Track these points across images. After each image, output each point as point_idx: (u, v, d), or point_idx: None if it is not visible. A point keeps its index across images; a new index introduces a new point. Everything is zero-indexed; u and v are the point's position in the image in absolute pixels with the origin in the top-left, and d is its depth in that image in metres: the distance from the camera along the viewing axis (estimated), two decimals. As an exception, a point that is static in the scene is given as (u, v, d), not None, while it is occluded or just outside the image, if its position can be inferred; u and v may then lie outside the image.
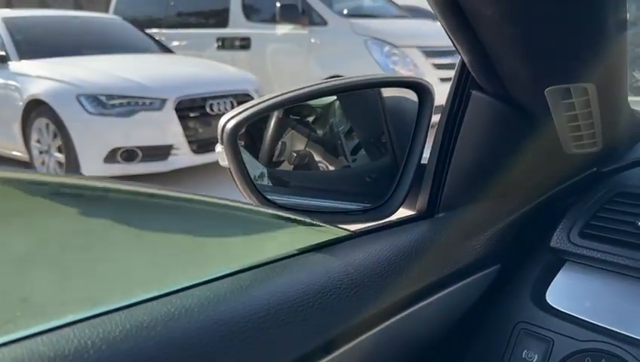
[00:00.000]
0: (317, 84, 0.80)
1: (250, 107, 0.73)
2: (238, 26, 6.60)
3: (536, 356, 0.67)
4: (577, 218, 0.73)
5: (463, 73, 0.70)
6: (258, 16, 6.55)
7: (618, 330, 0.64)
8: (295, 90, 0.77)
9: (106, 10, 7.67)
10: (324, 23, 6.04)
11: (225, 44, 6.66)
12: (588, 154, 0.75)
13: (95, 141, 4.19)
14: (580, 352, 0.65)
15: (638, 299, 0.66)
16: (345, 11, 6.26)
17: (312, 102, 0.85)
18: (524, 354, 0.68)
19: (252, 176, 0.72)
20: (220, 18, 6.76)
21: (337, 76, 5.71)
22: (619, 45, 0.62)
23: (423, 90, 0.81)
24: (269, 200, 0.72)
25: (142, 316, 0.46)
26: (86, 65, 4.76)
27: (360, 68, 5.64)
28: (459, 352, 0.74)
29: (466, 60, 0.66)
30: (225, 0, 6.69)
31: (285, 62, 6.22)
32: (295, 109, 0.83)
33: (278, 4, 6.18)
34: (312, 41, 6.09)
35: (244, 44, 6.54)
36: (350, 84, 0.85)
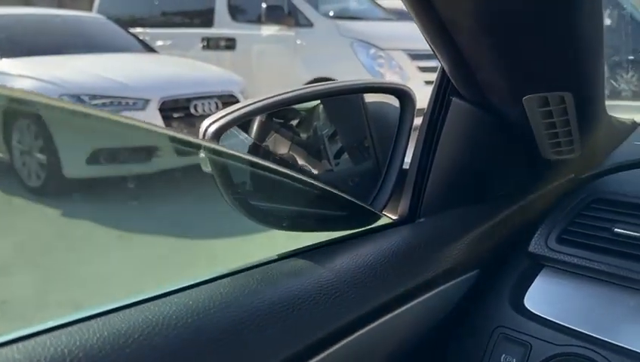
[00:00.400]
0: (300, 89, 0.80)
1: (233, 111, 0.73)
2: (223, 26, 6.57)
3: (514, 360, 0.68)
4: (555, 223, 0.74)
5: (443, 80, 0.71)
6: (244, 17, 6.53)
7: (594, 334, 0.65)
8: (278, 95, 0.77)
9: (90, 9, 7.59)
10: (309, 24, 6.04)
11: (210, 44, 6.63)
12: (566, 161, 0.77)
13: (77, 142, 4.14)
14: (557, 356, 0.66)
15: (613, 303, 0.67)
16: (331, 13, 6.27)
17: (296, 106, 0.85)
18: (502, 358, 0.68)
19: (236, 182, 0.72)
20: (205, 18, 6.73)
21: (323, 78, 5.73)
22: (595, 55, 0.64)
23: (404, 96, 0.82)
24: (253, 206, 0.72)
25: (119, 323, 0.46)
26: (69, 65, 4.70)
27: (346, 70, 5.64)
28: (439, 356, 0.74)
29: (445, 68, 0.66)
30: (210, 0, 6.66)
31: (271, 63, 6.21)
32: (278, 113, 0.83)
33: (263, 5, 6.17)
34: (298, 42, 6.08)
35: (230, 44, 6.51)
36: (334, 89, 0.85)
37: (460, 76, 0.66)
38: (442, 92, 0.73)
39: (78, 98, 4.15)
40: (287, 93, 0.78)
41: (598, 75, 0.68)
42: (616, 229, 0.68)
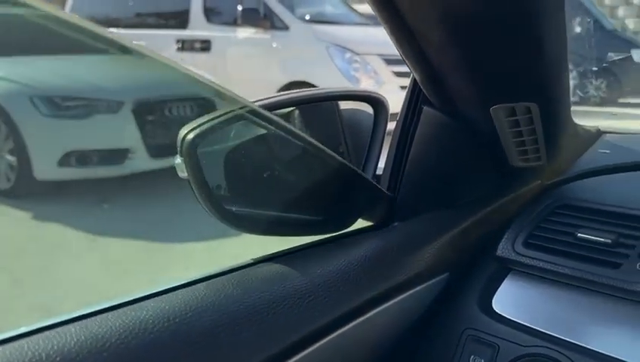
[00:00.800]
0: (276, 95, 0.81)
1: (211, 119, 0.74)
2: (198, 28, 6.54)
3: (482, 361, 0.70)
4: (522, 228, 0.76)
5: (415, 90, 0.73)
6: (219, 19, 6.51)
7: (558, 336, 0.68)
8: (255, 102, 0.79)
9: (62, 9, 7.47)
10: (285, 27, 6.05)
11: (185, 45, 6.59)
12: (533, 168, 0.79)
13: (49, 143, 4.07)
14: (523, 357, 0.68)
15: (576, 306, 0.70)
16: (307, 17, 6.29)
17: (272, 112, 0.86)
18: (471, 359, 0.71)
19: (212, 187, 0.73)
20: (180, 19, 6.68)
21: (299, 81, 5.74)
22: (560, 67, 0.66)
23: (377, 104, 0.84)
24: (228, 211, 0.73)
25: (97, 328, 0.47)
26: (40, 65, 4.62)
27: (322, 74, 5.66)
28: (410, 358, 0.76)
29: (417, 78, 0.69)
30: (185, 1, 6.62)
31: (246, 66, 6.20)
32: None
33: (239, 8, 6.16)
34: (274, 45, 6.09)
35: (205, 46, 6.48)
36: (309, 96, 0.87)
37: (431, 85, 0.68)
38: (414, 100, 0.75)
39: (49, 99, 4.09)
40: (264, 99, 0.80)
41: (562, 86, 0.71)
42: (579, 234, 0.71)
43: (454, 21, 0.54)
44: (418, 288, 0.73)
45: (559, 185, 0.82)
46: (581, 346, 0.66)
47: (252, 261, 0.64)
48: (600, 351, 0.65)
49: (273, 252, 0.69)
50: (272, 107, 0.82)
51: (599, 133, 0.95)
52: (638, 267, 0.65)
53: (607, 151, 0.89)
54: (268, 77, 5.94)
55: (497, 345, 0.70)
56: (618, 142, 0.93)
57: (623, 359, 0.63)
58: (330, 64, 5.79)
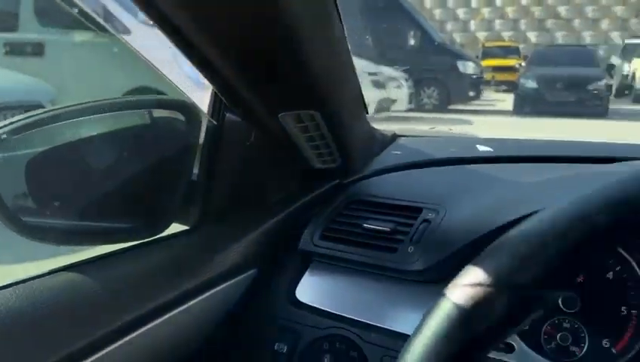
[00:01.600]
0: (89, 102, 0.81)
1: (8, 124, 0.72)
2: (29, 31, 6.04)
3: (285, 347, 0.76)
4: (320, 223, 0.84)
5: (217, 97, 0.78)
6: (53, 21, 6.07)
7: (352, 317, 0.77)
8: (68, 106, 0.78)
9: None
10: (127, 31, 5.82)
11: (14, 49, 6.05)
12: (331, 169, 0.88)
13: None
14: (320, 339, 0.76)
15: (366, 289, 0.79)
16: (151, 21, 6.10)
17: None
18: (276, 346, 0.77)
19: (9, 197, 0.70)
20: (8, 22, 6.12)
21: (144, 87, 5.52)
22: (340, 79, 0.75)
23: (189, 112, 0.87)
24: (27, 223, 0.70)
25: None
26: None
27: (167, 79, 5.52)
28: (222, 352, 0.80)
29: (214, 88, 0.73)
30: (14, 2, 6.08)
31: (85, 71, 5.84)
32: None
33: (75, 11, 5.80)
34: (115, 50, 5.81)
35: (37, 50, 6.00)
36: (122, 103, 0.88)
37: (228, 95, 0.73)
38: (217, 107, 0.79)
39: None
40: (73, 106, 0.79)
41: (347, 95, 0.80)
42: (364, 225, 0.81)
43: (224, 42, 0.58)
44: (225, 284, 0.77)
45: (354, 183, 0.92)
46: (372, 324, 0.75)
47: (47, 271, 0.63)
48: (387, 327, 0.74)
49: (77, 260, 0.68)
50: (81, 113, 0.82)
51: (394, 137, 1.07)
52: (409, 250, 0.75)
53: (399, 153, 1.01)
54: (109, 82, 5.64)
55: (299, 330, 0.77)
56: (409, 144, 1.06)
57: (406, 333, 0.72)
58: (177, 70, 5.66)
